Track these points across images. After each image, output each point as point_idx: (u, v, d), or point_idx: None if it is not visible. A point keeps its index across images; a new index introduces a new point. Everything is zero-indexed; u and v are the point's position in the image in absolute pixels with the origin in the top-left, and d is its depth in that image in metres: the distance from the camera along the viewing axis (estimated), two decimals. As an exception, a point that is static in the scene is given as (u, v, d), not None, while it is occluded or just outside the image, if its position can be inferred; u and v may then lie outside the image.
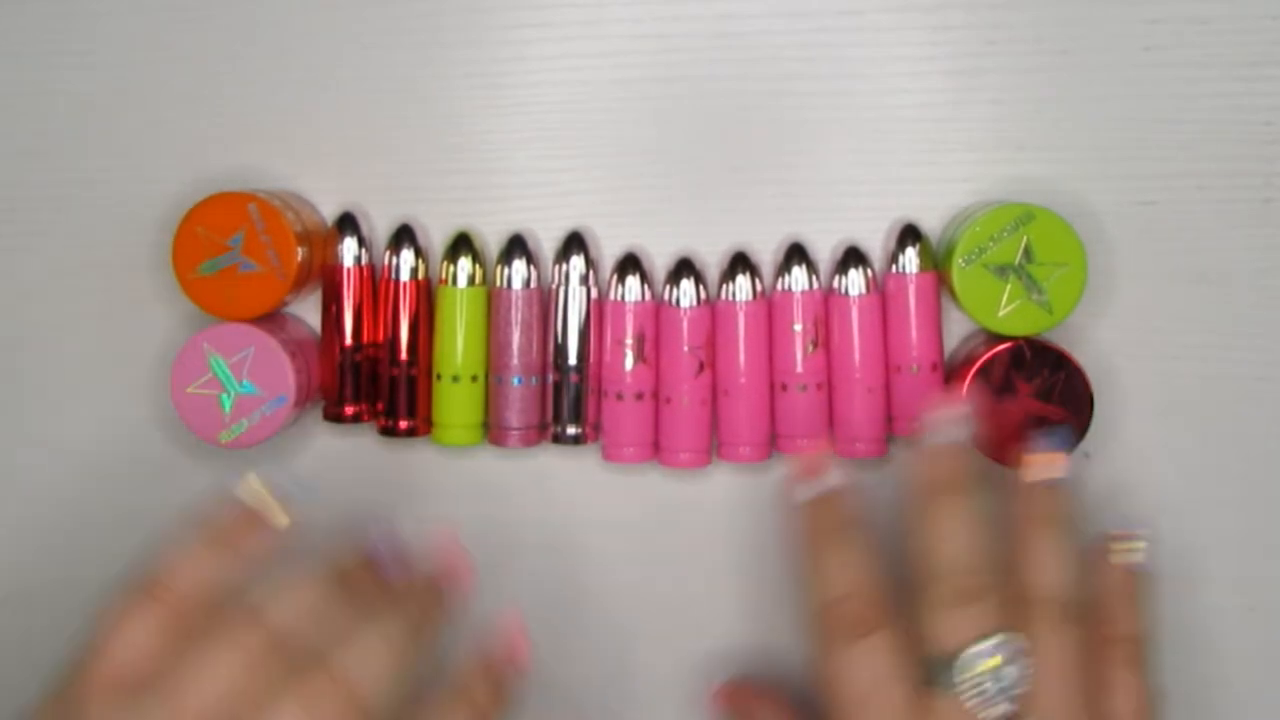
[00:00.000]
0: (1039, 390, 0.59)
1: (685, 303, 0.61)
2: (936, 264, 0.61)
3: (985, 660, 0.50)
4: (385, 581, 0.53)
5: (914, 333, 0.60)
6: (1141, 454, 0.62)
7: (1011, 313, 0.59)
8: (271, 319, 0.60)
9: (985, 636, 0.50)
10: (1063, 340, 0.60)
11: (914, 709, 0.50)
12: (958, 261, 0.59)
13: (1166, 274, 0.61)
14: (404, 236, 0.61)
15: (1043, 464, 0.54)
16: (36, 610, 0.65)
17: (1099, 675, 0.52)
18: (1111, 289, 0.62)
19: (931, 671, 0.51)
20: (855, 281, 0.60)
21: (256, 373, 0.59)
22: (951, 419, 0.55)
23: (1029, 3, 0.61)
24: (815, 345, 0.60)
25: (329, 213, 0.63)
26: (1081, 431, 0.59)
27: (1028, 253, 0.58)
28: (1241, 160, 0.61)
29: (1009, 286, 0.59)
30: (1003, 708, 0.50)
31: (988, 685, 0.50)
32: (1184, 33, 0.60)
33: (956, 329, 0.62)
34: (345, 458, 0.63)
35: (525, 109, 0.62)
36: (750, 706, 0.61)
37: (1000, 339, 0.59)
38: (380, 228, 0.62)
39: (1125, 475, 0.62)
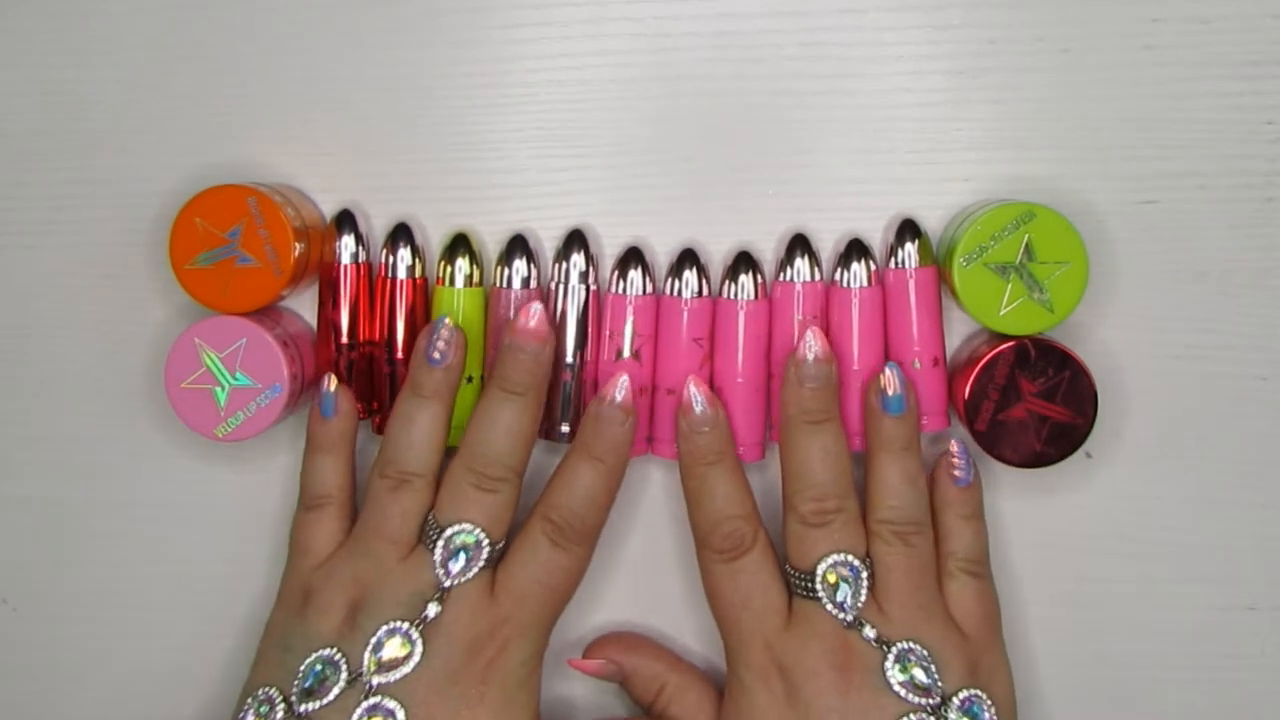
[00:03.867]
0: (1043, 390, 0.59)
1: (688, 294, 0.60)
2: (936, 259, 0.61)
3: (830, 575, 0.57)
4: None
5: (915, 328, 0.60)
6: (1142, 453, 0.62)
7: (1013, 311, 0.59)
8: (266, 312, 0.60)
9: (828, 554, 0.57)
10: (1063, 339, 0.60)
11: (784, 613, 0.58)
12: (959, 260, 0.58)
13: (1168, 273, 0.61)
14: (401, 235, 0.61)
15: (884, 384, 0.59)
16: (36, 608, 0.65)
17: (942, 585, 0.59)
18: (1113, 288, 0.61)
19: (794, 583, 0.58)
20: (857, 274, 0.60)
21: (249, 364, 0.58)
22: (820, 355, 0.59)
23: (1029, 3, 0.61)
24: (816, 339, 0.60)
25: (329, 211, 0.63)
26: (1085, 431, 0.59)
27: (1029, 251, 0.58)
28: (1243, 159, 0.61)
29: (1010, 285, 0.58)
30: (851, 614, 0.57)
31: (834, 596, 0.57)
32: (1185, 32, 0.60)
33: (959, 328, 0.62)
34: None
35: (525, 108, 0.62)
36: (620, 660, 0.62)
37: (1002, 338, 0.59)
38: (380, 226, 0.62)
39: (1125, 474, 0.62)
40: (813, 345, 0.59)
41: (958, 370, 0.60)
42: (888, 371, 0.58)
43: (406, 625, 0.56)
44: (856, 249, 0.60)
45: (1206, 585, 0.62)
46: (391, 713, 0.55)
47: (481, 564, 0.57)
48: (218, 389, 0.58)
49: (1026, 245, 0.58)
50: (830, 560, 0.57)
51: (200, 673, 0.64)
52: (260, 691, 0.57)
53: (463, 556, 0.57)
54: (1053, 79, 0.61)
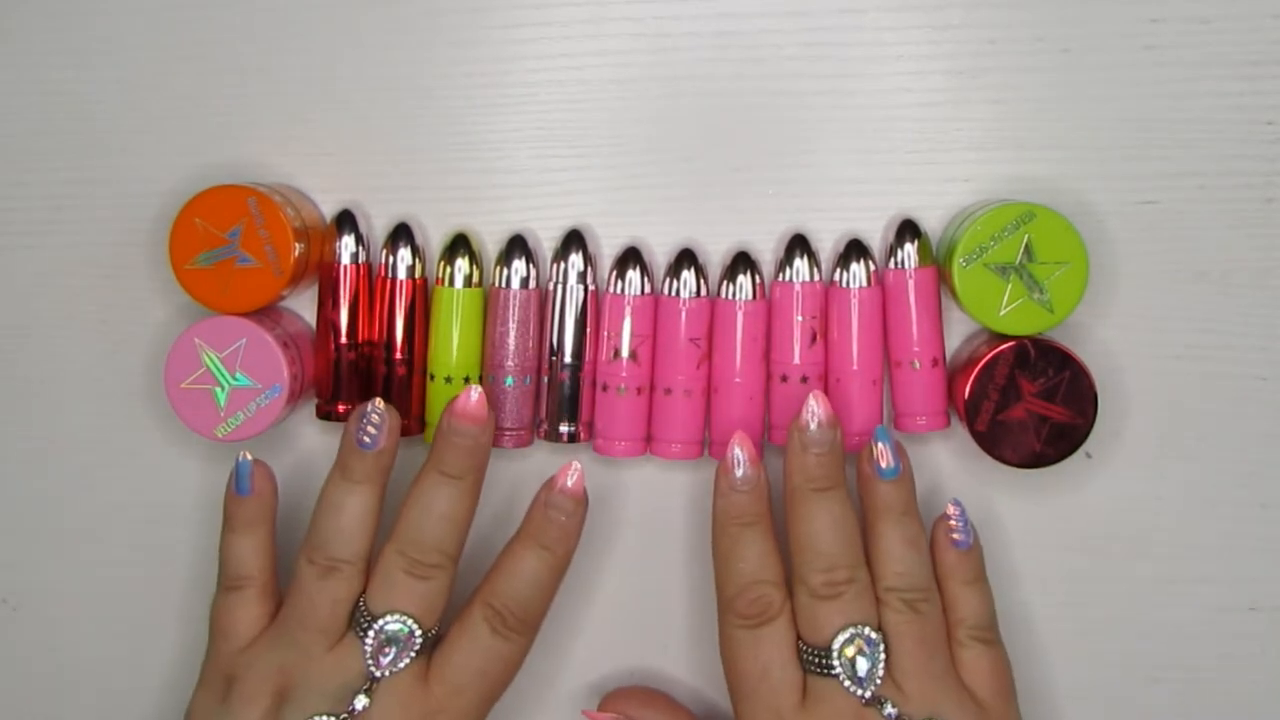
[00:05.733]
0: (1043, 390, 0.59)
1: (686, 294, 0.60)
2: (936, 259, 0.61)
3: (848, 649, 0.55)
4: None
5: (914, 328, 0.60)
6: (1142, 453, 0.62)
7: (1013, 312, 0.59)
8: (265, 312, 0.60)
9: (845, 628, 0.55)
10: (1064, 339, 0.60)
11: (800, 690, 0.56)
12: (958, 261, 0.58)
13: (1168, 273, 0.61)
14: (401, 235, 0.61)
15: (876, 456, 0.57)
16: (36, 608, 0.65)
17: (953, 654, 0.57)
18: (1113, 288, 0.61)
19: (808, 660, 0.56)
20: (857, 274, 0.60)
21: (249, 365, 0.58)
22: (823, 420, 0.57)
23: (1029, 3, 0.61)
24: (816, 338, 0.60)
25: (329, 211, 0.63)
26: (1085, 431, 0.59)
27: (1029, 252, 0.58)
28: (1243, 159, 0.61)
29: (1010, 286, 0.58)
30: (870, 690, 0.55)
31: (854, 671, 0.55)
32: (1185, 32, 0.60)
33: (958, 328, 0.62)
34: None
35: (525, 108, 0.62)
36: (636, 716, 0.61)
37: (1002, 338, 0.59)
38: (380, 226, 0.62)
39: (1125, 474, 0.62)
40: (815, 411, 0.57)
41: (958, 370, 0.60)
42: (879, 444, 0.57)
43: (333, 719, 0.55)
44: (856, 249, 0.60)
45: (1206, 585, 0.62)
46: None
47: (414, 654, 0.56)
48: (218, 389, 0.58)
49: (1026, 245, 0.58)
50: (848, 633, 0.55)
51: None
52: None
53: (394, 648, 0.55)
54: (1053, 79, 0.61)
